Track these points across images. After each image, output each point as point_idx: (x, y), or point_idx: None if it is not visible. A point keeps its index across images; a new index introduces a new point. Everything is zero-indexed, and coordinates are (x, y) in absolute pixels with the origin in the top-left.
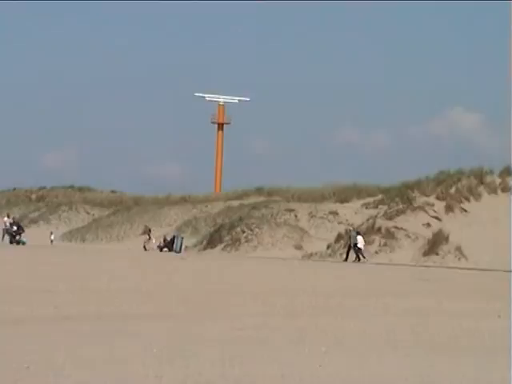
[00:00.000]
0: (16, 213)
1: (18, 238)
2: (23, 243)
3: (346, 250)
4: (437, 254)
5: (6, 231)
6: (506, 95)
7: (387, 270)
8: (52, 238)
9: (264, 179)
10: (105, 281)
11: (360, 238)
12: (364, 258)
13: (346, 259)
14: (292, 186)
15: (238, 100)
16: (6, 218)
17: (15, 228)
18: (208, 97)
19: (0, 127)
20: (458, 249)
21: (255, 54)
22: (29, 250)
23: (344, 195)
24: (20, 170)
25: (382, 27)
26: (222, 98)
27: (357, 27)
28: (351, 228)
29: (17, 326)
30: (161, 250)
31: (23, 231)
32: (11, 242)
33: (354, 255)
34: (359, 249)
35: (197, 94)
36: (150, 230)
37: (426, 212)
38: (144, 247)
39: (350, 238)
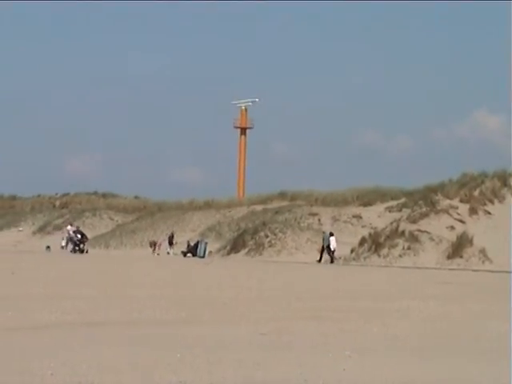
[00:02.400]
0: (40, 220)
1: (81, 246)
2: (86, 251)
3: (320, 251)
4: (461, 256)
5: (70, 239)
6: None
7: (411, 274)
8: (63, 243)
9: (287, 183)
10: (129, 286)
11: (333, 239)
12: (335, 258)
13: (320, 260)
14: (315, 190)
15: (251, 102)
16: (69, 227)
17: (79, 236)
18: (239, 103)
19: (24, 134)
20: (482, 251)
21: (277, 56)
22: (52, 256)
23: (367, 199)
24: (44, 177)
25: (405, 28)
26: (243, 102)
27: (379, 28)
28: (324, 230)
29: (41, 332)
30: (185, 255)
31: (87, 239)
32: (74, 251)
33: (329, 257)
34: (331, 250)
35: (234, 102)
36: (155, 244)
37: (450, 215)
38: (155, 253)
39: (323, 239)
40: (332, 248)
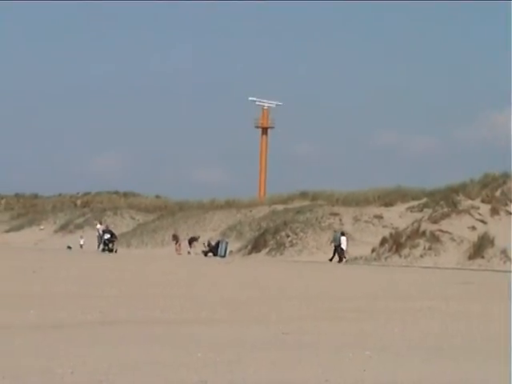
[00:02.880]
0: (62, 218)
1: (110, 245)
2: (115, 251)
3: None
4: (482, 257)
5: (100, 239)
6: None
7: (432, 274)
8: (82, 242)
9: (308, 183)
10: (149, 285)
11: (344, 239)
12: (345, 258)
13: (332, 259)
14: (336, 190)
15: (275, 104)
16: (98, 226)
17: (108, 236)
18: (258, 101)
19: (45, 134)
20: (504, 252)
21: (299, 57)
22: (75, 255)
23: (388, 199)
24: (65, 176)
25: (425, 27)
26: (266, 102)
27: (399, 28)
28: (335, 230)
29: (62, 330)
30: (205, 255)
31: (116, 239)
32: (103, 250)
33: (338, 257)
34: (342, 249)
35: (251, 99)
36: (177, 238)
37: (471, 215)
38: (177, 252)
39: (334, 239)
40: (343, 248)
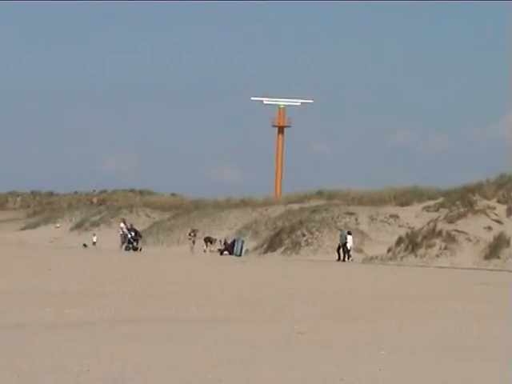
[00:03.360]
0: (78, 216)
1: (135, 244)
2: (140, 249)
3: (337, 249)
4: (498, 257)
5: (124, 237)
6: None
7: (448, 274)
8: (94, 239)
9: (324, 182)
10: (165, 284)
11: (350, 238)
12: (350, 257)
13: (339, 259)
14: (352, 189)
15: (301, 103)
16: (122, 224)
17: (132, 234)
18: (266, 100)
19: (61, 131)
20: None
21: (315, 57)
22: (91, 253)
23: (404, 198)
24: (81, 174)
25: (439, 26)
26: (282, 101)
27: (413, 28)
28: (342, 228)
29: (77, 328)
30: (221, 254)
31: (140, 237)
32: (128, 249)
33: (344, 256)
34: (347, 249)
35: (253, 99)
36: (195, 234)
37: (488, 215)
38: (191, 249)
39: (340, 237)
40: (348, 247)
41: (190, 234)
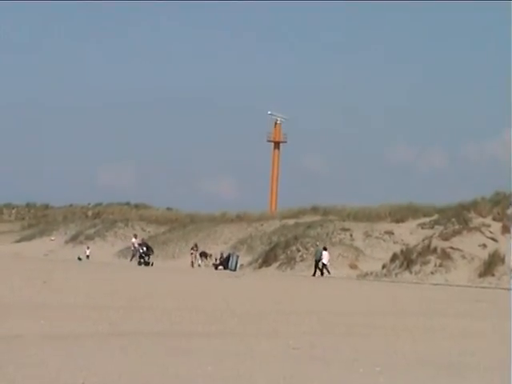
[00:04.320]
0: (72, 229)
1: (146, 259)
2: (152, 264)
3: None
4: (493, 275)
5: (135, 252)
6: None
7: (443, 291)
8: (88, 252)
9: (319, 198)
10: (159, 298)
11: (325, 254)
12: (329, 273)
13: (314, 274)
14: (347, 205)
15: (283, 119)
16: (133, 239)
17: (144, 249)
18: (276, 116)
19: (57, 144)
20: None
21: (312, 71)
22: (85, 266)
23: (400, 215)
24: (76, 187)
25: (439, 46)
26: (279, 117)
27: (415, 45)
28: (317, 243)
29: (72, 341)
30: (216, 268)
31: (152, 252)
32: (140, 264)
33: (319, 270)
34: (324, 264)
35: (270, 113)
36: (197, 249)
37: (483, 233)
38: (192, 263)
39: (315, 253)
40: (325, 262)
41: (192, 249)
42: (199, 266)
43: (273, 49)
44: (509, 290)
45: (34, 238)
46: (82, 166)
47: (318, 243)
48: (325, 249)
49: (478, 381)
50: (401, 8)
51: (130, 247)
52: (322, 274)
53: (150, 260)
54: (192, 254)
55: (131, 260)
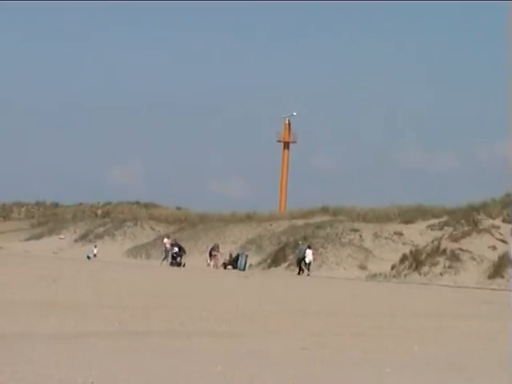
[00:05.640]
0: (82, 228)
1: (178, 259)
2: (184, 265)
3: (296, 264)
4: (502, 277)
5: (166, 253)
6: None
7: (452, 293)
8: (95, 251)
9: (329, 198)
10: (169, 297)
11: (309, 253)
12: (308, 271)
13: (299, 273)
14: (357, 206)
15: (289, 116)
16: (165, 240)
17: (176, 250)
18: (287, 116)
19: (67, 142)
20: None
21: (323, 70)
22: (94, 265)
23: (409, 216)
24: (86, 186)
25: (450, 47)
26: (287, 116)
27: (423, 47)
28: (301, 242)
29: (82, 340)
30: (225, 268)
31: (184, 253)
32: (172, 264)
33: (300, 268)
34: (306, 263)
35: (283, 116)
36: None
37: (492, 235)
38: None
39: (299, 251)
40: (308, 261)
41: (213, 250)
42: (208, 265)
43: (283, 49)
44: None
45: (43, 237)
46: (92, 165)
47: (301, 242)
48: (309, 247)
49: (487, 382)
50: (412, 7)
51: (137, 246)
52: (302, 271)
53: (182, 261)
54: (215, 255)
55: (163, 261)
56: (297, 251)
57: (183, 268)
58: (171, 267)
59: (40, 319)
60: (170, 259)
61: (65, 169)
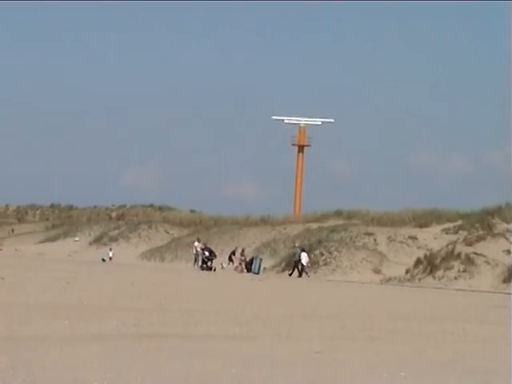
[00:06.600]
0: (96, 230)
1: (209, 263)
2: (214, 269)
3: (292, 266)
4: None
5: (197, 256)
6: None
7: (466, 297)
8: (111, 254)
9: (343, 202)
10: (183, 300)
11: (304, 255)
12: (307, 274)
13: (291, 274)
14: (371, 210)
15: (322, 122)
16: (196, 243)
17: (207, 253)
18: (287, 119)
19: (81, 145)
20: None
21: (336, 75)
22: (111, 267)
23: (423, 220)
24: (100, 188)
25: (464, 51)
26: (303, 121)
27: (437, 50)
28: (296, 244)
29: (96, 342)
30: (241, 271)
31: (215, 257)
32: (202, 268)
33: (298, 272)
34: (302, 265)
35: (274, 118)
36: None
37: (507, 239)
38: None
39: (294, 254)
40: (304, 263)
41: (241, 254)
42: (222, 268)
43: (296, 51)
44: None
45: (57, 239)
46: (107, 168)
47: (296, 244)
48: (303, 250)
49: None
50: (425, 8)
51: (152, 249)
52: (301, 275)
53: (213, 265)
54: (241, 261)
55: (194, 264)
56: (292, 254)
57: (213, 272)
58: (201, 271)
59: (54, 321)
60: (200, 263)
61: (79, 171)
